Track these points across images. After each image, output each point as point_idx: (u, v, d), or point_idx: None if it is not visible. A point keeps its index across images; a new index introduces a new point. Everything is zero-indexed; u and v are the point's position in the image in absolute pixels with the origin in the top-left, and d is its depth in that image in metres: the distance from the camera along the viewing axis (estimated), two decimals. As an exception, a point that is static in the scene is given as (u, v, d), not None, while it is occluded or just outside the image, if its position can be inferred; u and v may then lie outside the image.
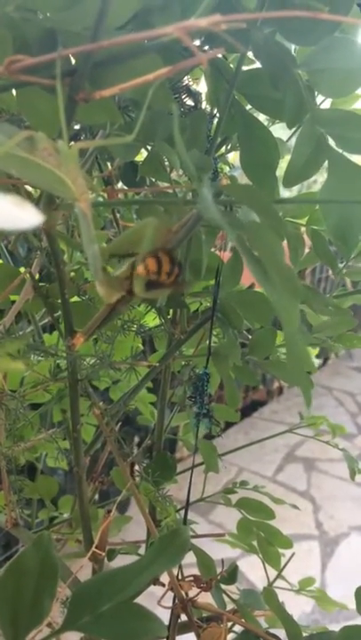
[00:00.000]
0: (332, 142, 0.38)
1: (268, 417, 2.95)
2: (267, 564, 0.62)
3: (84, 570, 0.48)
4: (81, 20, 0.28)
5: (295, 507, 0.63)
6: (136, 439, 1.81)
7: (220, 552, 0.56)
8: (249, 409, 2.92)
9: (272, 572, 0.62)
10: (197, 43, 0.45)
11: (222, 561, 0.47)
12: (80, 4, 0.28)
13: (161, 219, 0.26)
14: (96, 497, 0.63)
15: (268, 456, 2.53)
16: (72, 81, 0.28)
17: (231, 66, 0.45)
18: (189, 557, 0.49)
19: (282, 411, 3.02)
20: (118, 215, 0.64)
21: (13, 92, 0.34)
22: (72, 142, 0.26)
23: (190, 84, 0.58)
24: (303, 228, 0.57)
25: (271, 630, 0.47)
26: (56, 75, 0.26)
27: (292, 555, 0.61)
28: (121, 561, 0.58)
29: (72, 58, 0.31)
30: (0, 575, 0.27)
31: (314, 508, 2.20)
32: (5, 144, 0.24)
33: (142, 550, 0.59)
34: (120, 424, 0.59)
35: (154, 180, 0.54)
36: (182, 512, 0.56)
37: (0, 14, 0.27)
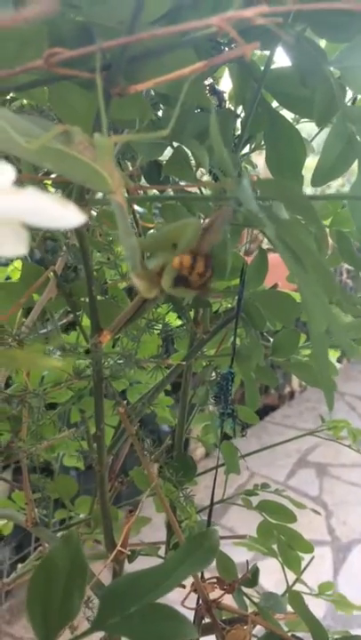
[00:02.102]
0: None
1: (280, 421, 2.94)
2: (284, 569, 0.62)
3: (105, 571, 0.47)
4: (116, 13, 0.28)
5: (316, 512, 0.62)
6: (148, 442, 1.80)
7: (232, 556, 0.56)
8: (261, 413, 2.91)
9: (282, 576, 0.61)
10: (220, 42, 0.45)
11: (247, 562, 0.46)
12: (115, -2, 0.28)
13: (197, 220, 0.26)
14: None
15: (280, 461, 2.51)
16: (107, 75, 0.28)
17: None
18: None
19: (294, 415, 3.01)
20: (138, 216, 0.64)
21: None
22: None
23: (214, 83, 0.58)
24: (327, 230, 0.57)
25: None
26: (90, 69, 0.26)
27: (312, 559, 0.61)
28: (140, 563, 0.57)
29: (106, 54, 0.30)
30: (32, 574, 0.26)
31: (326, 514, 2.18)
32: (42, 137, 0.24)
33: (162, 552, 0.59)
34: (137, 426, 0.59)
35: (177, 179, 0.54)
36: (201, 514, 0.56)
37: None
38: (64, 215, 0.16)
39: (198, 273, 0.23)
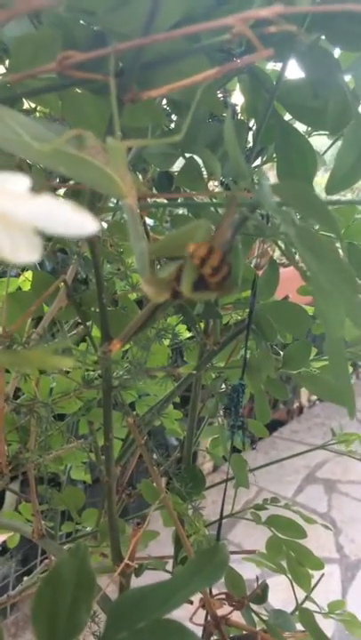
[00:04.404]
0: None
1: (289, 437, 2.92)
2: (292, 586, 0.60)
3: (109, 584, 0.47)
4: (130, 21, 0.28)
5: (327, 526, 0.61)
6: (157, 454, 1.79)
7: (240, 572, 0.55)
8: (269, 428, 2.88)
9: (289, 595, 0.59)
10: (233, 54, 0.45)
11: (257, 578, 0.45)
12: (130, 5, 0.28)
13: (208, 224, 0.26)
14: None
15: (288, 477, 2.49)
16: (120, 81, 0.28)
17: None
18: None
19: (302, 431, 2.98)
20: (149, 228, 0.64)
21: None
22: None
23: (226, 96, 0.58)
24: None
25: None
26: (104, 74, 0.26)
27: (322, 576, 0.60)
28: (147, 577, 0.56)
29: (120, 61, 0.30)
30: (38, 586, 0.26)
31: (335, 531, 2.15)
32: (55, 141, 0.23)
33: (169, 566, 0.58)
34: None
35: (189, 190, 0.53)
36: (209, 528, 0.55)
37: (49, 14, 0.27)
38: (78, 221, 0.16)
39: (212, 267, 0.23)
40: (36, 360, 0.16)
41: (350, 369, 0.79)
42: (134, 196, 0.24)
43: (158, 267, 0.29)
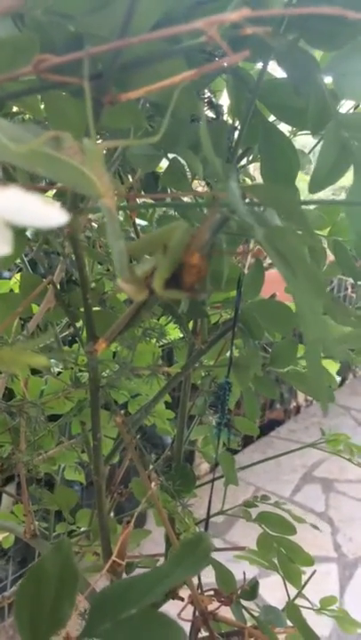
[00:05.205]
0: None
1: (286, 436, 2.92)
2: (286, 583, 0.61)
3: (101, 581, 0.47)
4: (108, 23, 0.28)
5: (315, 527, 0.61)
6: (151, 454, 1.79)
7: (235, 573, 0.55)
8: (266, 428, 2.89)
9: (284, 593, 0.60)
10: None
11: (244, 574, 0.46)
12: (107, 8, 0.28)
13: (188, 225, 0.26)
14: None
15: (286, 476, 2.49)
16: (99, 83, 0.28)
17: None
18: (208, 576, 0.48)
19: (299, 430, 2.99)
20: (139, 228, 0.65)
21: (39, 98, 0.34)
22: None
23: (212, 96, 0.58)
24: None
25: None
26: (81, 77, 0.26)
27: (314, 572, 0.60)
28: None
29: (98, 63, 0.31)
30: (22, 581, 0.26)
31: (332, 530, 2.16)
32: (32, 142, 0.24)
33: (160, 564, 0.58)
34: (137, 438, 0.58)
35: (175, 190, 0.54)
36: (200, 526, 0.55)
37: (28, 17, 0.27)
38: (47, 213, 0.16)
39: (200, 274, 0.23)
40: (7, 358, 0.17)
41: (338, 366, 0.80)
42: (112, 196, 0.25)
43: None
